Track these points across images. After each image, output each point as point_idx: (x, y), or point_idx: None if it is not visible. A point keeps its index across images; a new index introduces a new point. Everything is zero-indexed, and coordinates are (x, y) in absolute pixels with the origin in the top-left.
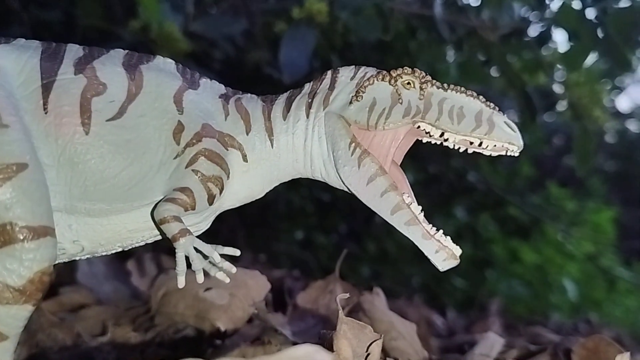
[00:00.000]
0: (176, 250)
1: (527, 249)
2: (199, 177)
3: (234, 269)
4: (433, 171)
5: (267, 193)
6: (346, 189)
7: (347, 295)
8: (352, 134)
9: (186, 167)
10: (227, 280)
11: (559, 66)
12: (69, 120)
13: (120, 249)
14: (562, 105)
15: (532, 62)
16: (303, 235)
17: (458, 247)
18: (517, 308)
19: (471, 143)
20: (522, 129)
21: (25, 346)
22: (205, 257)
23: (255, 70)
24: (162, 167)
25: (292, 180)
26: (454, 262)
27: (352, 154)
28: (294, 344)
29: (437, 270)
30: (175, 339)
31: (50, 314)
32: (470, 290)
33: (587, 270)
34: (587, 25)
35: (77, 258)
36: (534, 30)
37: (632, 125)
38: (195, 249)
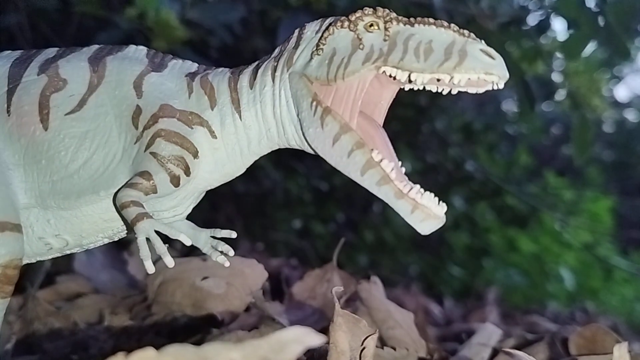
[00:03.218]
0: (136, 235)
1: (525, 238)
2: (157, 159)
3: (232, 251)
4: (431, 160)
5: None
6: (319, 155)
7: (342, 288)
8: (313, 92)
9: (145, 151)
10: (227, 263)
11: (558, 55)
12: (28, 119)
13: (107, 239)
14: (560, 95)
15: (531, 50)
16: (300, 224)
17: (442, 204)
18: (515, 297)
19: (438, 80)
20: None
21: (22, 335)
22: (167, 240)
23: (253, 58)
24: (124, 153)
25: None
26: (435, 223)
27: (314, 114)
28: None
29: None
30: (172, 328)
31: (47, 302)
32: (468, 279)
33: (584, 259)
34: (587, 13)
35: (68, 251)
36: (533, 19)
37: (630, 115)
38: (158, 232)
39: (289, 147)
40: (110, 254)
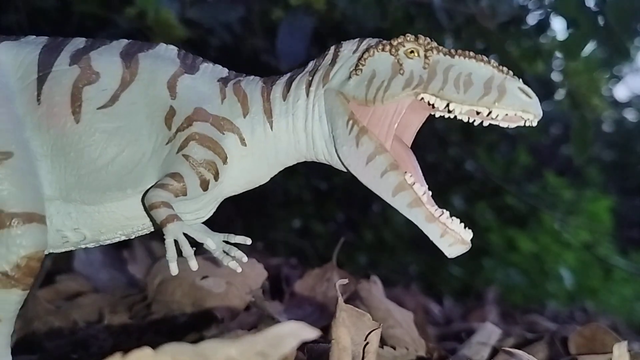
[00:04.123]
0: (165, 236)
1: (524, 237)
2: (190, 162)
3: (245, 258)
4: (430, 160)
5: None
6: (350, 171)
7: (346, 281)
8: (350, 111)
9: (177, 152)
10: (239, 269)
11: (557, 54)
12: (59, 110)
13: (124, 237)
14: (560, 94)
15: (531, 50)
16: (300, 223)
17: (469, 230)
18: (514, 296)
19: (478, 113)
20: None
21: (22, 334)
22: (199, 244)
23: (253, 57)
24: (154, 154)
25: (290, 168)
26: (463, 248)
27: (349, 132)
28: None
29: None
30: (172, 327)
31: (46, 302)
32: (467, 278)
33: (583, 258)
34: (586, 13)
35: (84, 246)
36: (532, 18)
37: (629, 115)
38: (186, 235)
39: (315, 160)
40: (110, 253)
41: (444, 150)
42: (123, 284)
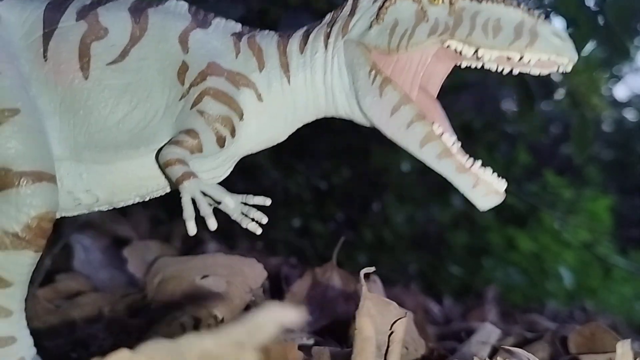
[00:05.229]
0: (181, 195)
1: (524, 236)
2: (205, 117)
3: (265, 219)
4: None
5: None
6: (373, 125)
7: (373, 268)
8: (372, 61)
9: (191, 108)
10: (259, 231)
11: None
12: (67, 67)
13: (138, 199)
14: (560, 94)
15: None
16: (300, 222)
17: (502, 180)
18: (514, 296)
19: (508, 59)
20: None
21: None
22: (218, 202)
23: None
24: (167, 110)
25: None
26: (497, 198)
27: (372, 83)
28: (291, 331)
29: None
30: (172, 326)
31: (46, 301)
32: (467, 277)
33: (583, 258)
34: (586, 12)
35: (97, 209)
36: None
37: (629, 114)
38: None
39: (336, 116)
40: (109, 252)
41: None
42: (123, 283)
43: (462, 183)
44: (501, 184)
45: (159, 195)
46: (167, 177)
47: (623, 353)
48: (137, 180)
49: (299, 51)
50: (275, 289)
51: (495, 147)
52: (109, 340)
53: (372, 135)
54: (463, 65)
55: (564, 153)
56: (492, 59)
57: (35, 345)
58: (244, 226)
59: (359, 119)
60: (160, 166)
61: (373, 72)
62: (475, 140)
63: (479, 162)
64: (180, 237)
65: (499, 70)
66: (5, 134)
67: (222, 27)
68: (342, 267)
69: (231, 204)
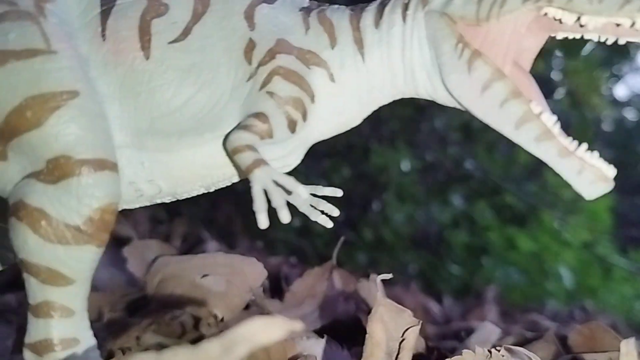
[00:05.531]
0: (251, 184)
1: (524, 236)
2: (275, 99)
3: (336, 211)
4: (430, 159)
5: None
6: (459, 105)
7: (390, 275)
8: (458, 34)
9: (260, 90)
10: (330, 224)
11: (557, 53)
12: (127, 46)
13: (203, 189)
14: (560, 93)
15: None
16: (300, 222)
17: (611, 166)
18: (513, 295)
19: (617, 26)
20: None
21: (21, 333)
22: (288, 192)
23: None
24: (234, 92)
25: None
26: (605, 186)
27: (459, 58)
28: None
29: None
30: (172, 326)
31: None
32: (467, 277)
33: (583, 257)
34: None
35: (159, 200)
36: None
37: (629, 114)
38: (276, 182)
39: (416, 96)
40: (109, 251)
41: (444, 148)
42: (122, 282)
43: (565, 169)
44: (610, 170)
45: (224, 186)
46: (234, 165)
47: (627, 352)
48: (202, 170)
49: (373, 25)
50: (275, 289)
51: (495, 146)
52: (108, 339)
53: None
54: (559, 37)
55: None
56: (598, 26)
57: None
58: (313, 219)
59: (442, 98)
60: (227, 153)
61: (460, 46)
62: (475, 139)
63: (585, 145)
64: (180, 236)
65: (602, 40)
66: (64, 118)
67: (290, 1)
68: (342, 266)
69: (304, 194)
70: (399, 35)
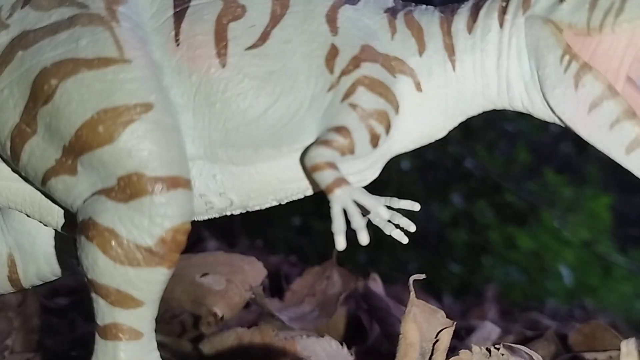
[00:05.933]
0: (331, 205)
1: (523, 235)
2: (358, 112)
3: (412, 227)
4: (430, 157)
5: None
6: (559, 121)
7: (423, 276)
8: (565, 44)
9: (342, 101)
10: (405, 240)
11: None
12: (202, 52)
13: (275, 203)
14: None
15: None
16: (300, 221)
17: None
18: (513, 294)
19: None
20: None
21: (21, 332)
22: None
23: None
24: (313, 102)
25: None
26: None
27: (565, 71)
28: (291, 329)
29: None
30: (171, 324)
31: (45, 299)
32: (467, 276)
33: (583, 256)
34: None
35: (229, 213)
36: None
37: None
38: (356, 202)
39: (510, 108)
40: None
41: (444, 147)
42: None
43: None
44: None
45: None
46: (311, 181)
47: (628, 352)
48: (277, 184)
49: (466, 30)
50: (275, 287)
51: (495, 145)
52: None
53: None
54: None
55: (564, 151)
56: None
57: (35, 343)
58: (387, 233)
59: (540, 113)
60: (305, 169)
61: (567, 58)
62: (475, 138)
63: None
64: None
65: None
66: (137, 133)
67: (373, 2)
68: (342, 265)
69: (386, 215)
70: (495, 42)
